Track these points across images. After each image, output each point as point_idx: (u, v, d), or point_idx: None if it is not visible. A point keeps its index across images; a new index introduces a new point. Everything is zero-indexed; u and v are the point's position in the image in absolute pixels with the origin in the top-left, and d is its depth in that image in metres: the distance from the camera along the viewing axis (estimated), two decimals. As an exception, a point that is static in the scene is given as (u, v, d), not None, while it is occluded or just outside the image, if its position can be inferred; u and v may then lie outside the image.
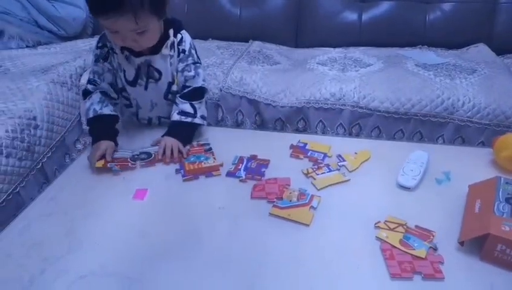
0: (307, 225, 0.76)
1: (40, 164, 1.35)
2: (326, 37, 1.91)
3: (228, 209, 0.81)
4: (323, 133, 1.43)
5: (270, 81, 1.49)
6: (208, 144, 1.04)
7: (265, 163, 0.95)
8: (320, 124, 1.44)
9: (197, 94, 1.05)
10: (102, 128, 1.01)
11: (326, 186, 0.87)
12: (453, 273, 0.66)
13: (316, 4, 1.92)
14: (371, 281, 0.65)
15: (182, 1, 2.01)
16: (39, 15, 1.83)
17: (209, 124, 1.40)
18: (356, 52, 1.75)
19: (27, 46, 1.79)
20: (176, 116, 1.04)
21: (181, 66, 1.02)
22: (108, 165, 0.93)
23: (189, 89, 1.04)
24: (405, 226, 0.75)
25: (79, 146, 1.59)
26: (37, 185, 1.31)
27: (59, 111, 1.45)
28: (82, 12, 1.93)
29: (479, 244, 0.68)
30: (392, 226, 0.75)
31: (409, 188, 0.85)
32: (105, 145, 0.96)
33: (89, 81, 1.04)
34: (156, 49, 0.99)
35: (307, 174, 0.91)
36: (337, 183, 0.88)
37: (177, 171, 0.94)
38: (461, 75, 1.46)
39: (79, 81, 1.58)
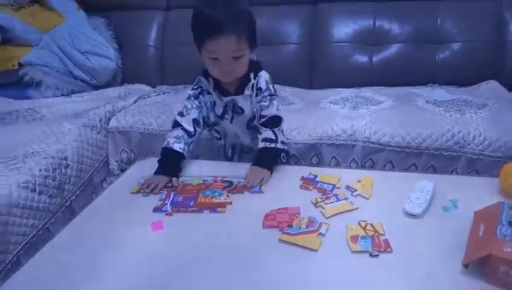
0: (315, 251, 0.80)
1: (69, 201, 1.44)
2: (339, 78, 1.99)
3: (239, 236, 0.85)
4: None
5: (284, 120, 1.55)
6: (231, 182, 1.06)
7: (192, 196, 1.00)
8: (333, 159, 1.48)
9: (274, 122, 1.16)
10: (166, 162, 1.13)
11: (335, 215, 0.91)
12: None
13: (328, 48, 2.02)
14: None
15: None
16: (74, 67, 2.00)
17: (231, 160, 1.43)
18: (368, 92, 1.81)
19: (62, 95, 1.95)
20: (261, 144, 1.15)
21: (258, 98, 1.16)
22: (141, 191, 1.04)
23: (266, 118, 1.16)
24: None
25: (105, 185, 1.68)
26: (65, 221, 1.39)
27: (88, 152, 1.56)
28: (112, 63, 2.10)
29: (485, 268, 0.69)
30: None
31: (415, 215, 0.88)
32: (159, 180, 1.07)
33: (179, 113, 1.20)
34: (239, 91, 1.17)
35: (315, 204, 0.95)
36: (346, 211, 0.92)
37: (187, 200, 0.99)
38: (471, 110, 1.49)
39: (107, 124, 1.70)
